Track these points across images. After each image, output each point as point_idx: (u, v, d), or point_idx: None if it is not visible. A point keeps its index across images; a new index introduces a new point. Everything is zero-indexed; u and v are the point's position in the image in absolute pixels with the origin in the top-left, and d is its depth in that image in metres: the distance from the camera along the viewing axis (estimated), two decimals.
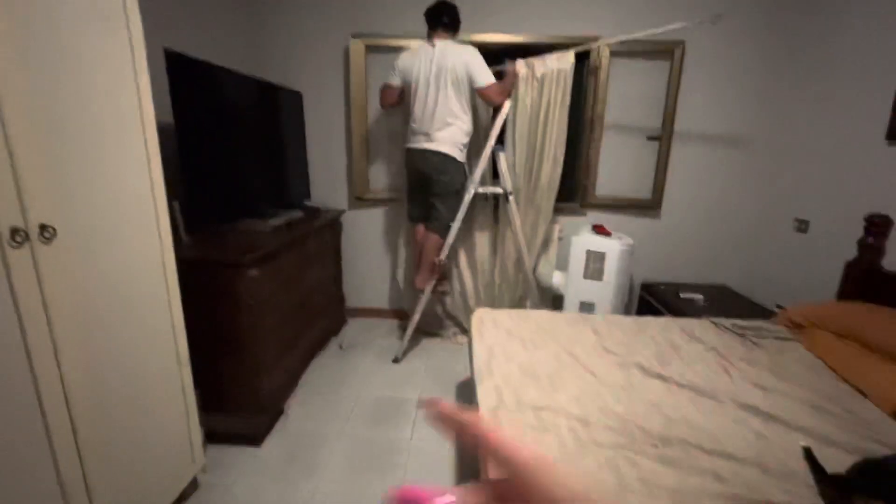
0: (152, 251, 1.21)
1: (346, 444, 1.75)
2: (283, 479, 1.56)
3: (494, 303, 2.73)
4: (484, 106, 2.39)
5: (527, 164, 2.49)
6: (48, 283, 0.91)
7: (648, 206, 2.77)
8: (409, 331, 2.42)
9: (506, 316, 1.88)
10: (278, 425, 1.84)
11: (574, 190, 2.83)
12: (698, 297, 2.55)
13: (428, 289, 2.35)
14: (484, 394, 1.30)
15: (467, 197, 2.29)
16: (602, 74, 2.56)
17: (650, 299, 2.71)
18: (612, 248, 2.40)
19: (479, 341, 1.64)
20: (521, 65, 2.28)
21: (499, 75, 2.23)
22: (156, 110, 1.51)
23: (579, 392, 1.33)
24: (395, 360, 2.41)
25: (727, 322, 1.89)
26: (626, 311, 2.71)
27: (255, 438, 1.71)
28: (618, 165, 2.73)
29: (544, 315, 1.92)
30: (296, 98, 2.51)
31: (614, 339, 1.71)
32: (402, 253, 2.73)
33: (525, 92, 2.36)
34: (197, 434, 1.42)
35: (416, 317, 2.40)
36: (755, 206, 2.69)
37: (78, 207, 0.98)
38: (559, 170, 2.46)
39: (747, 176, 2.68)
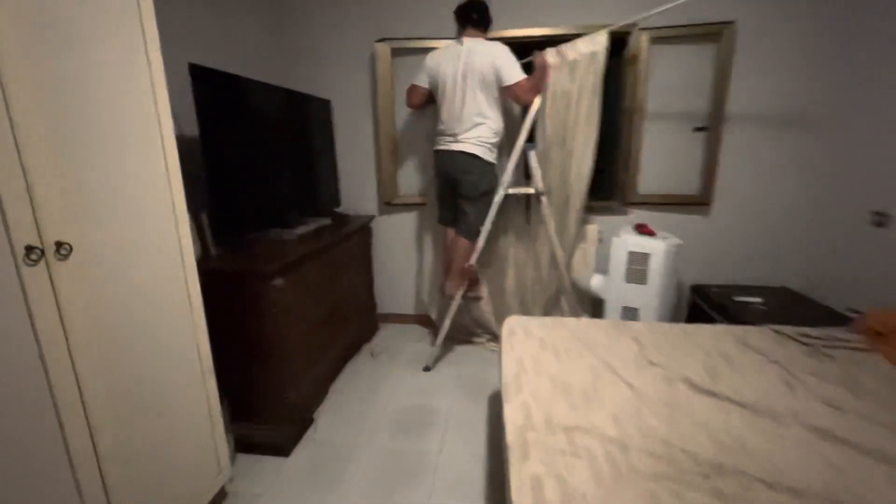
0: (173, 264, 1.22)
1: (373, 456, 1.71)
2: (308, 491, 1.53)
3: (528, 309, 2.61)
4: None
5: (558, 159, 2.35)
6: (65, 300, 0.92)
7: (697, 202, 2.56)
8: (440, 338, 2.35)
9: (538, 324, 1.78)
10: (307, 435, 1.82)
11: (614, 187, 2.66)
12: (756, 300, 2.32)
13: (458, 295, 2.28)
14: (511, 412, 1.21)
15: (497, 199, 2.20)
16: (642, 63, 2.39)
17: (701, 304, 2.50)
18: (657, 248, 2.23)
19: (509, 353, 1.55)
20: (550, 54, 2.16)
21: (529, 67, 2.13)
22: (184, 124, 1.55)
23: (617, 409, 1.21)
24: (426, 369, 2.35)
25: (791, 330, 1.68)
26: (674, 317, 2.51)
27: (283, 449, 1.70)
28: (662, 160, 2.54)
29: (580, 323, 1.80)
30: (324, 106, 2.52)
31: (658, 349, 1.56)
32: (432, 258, 2.68)
33: (556, 80, 2.23)
34: (223, 445, 1.42)
35: (447, 324, 2.34)
36: (822, 197, 2.41)
37: (94, 224, 0.98)
38: (590, 163, 2.30)
39: (812, 164, 2.41)
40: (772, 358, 1.50)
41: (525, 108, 2.20)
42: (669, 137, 2.51)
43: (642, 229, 2.37)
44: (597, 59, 2.15)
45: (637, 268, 2.29)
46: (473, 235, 2.23)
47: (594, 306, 2.67)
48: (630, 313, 2.35)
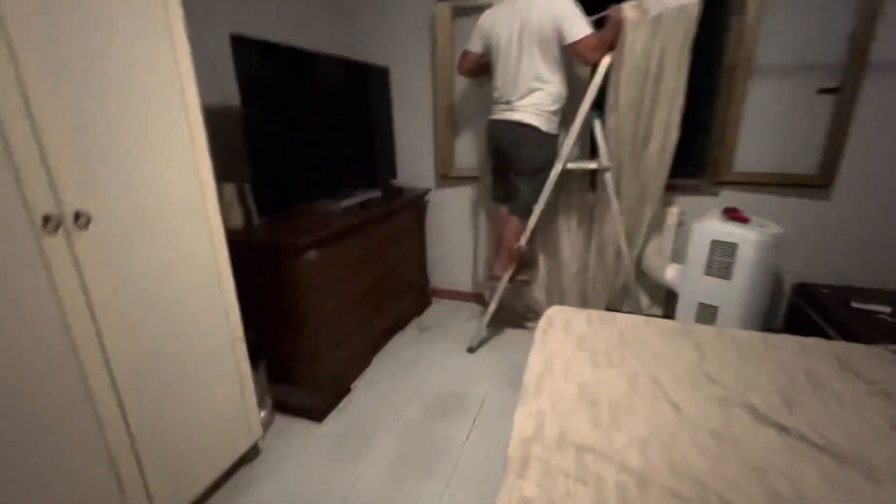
0: (199, 233, 1.26)
1: (400, 434, 1.70)
2: (333, 460, 1.57)
3: (588, 298, 2.39)
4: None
5: (633, 132, 2.05)
6: (87, 268, 0.98)
7: (813, 184, 2.09)
8: (485, 320, 2.25)
9: (584, 318, 1.59)
10: (342, 403, 1.87)
11: (703, 163, 2.27)
12: (882, 309, 1.86)
13: (506, 276, 2.14)
14: (521, 419, 1.09)
15: (553, 174, 1.98)
16: (751, 8, 1.94)
17: (805, 307, 2.07)
18: (748, 237, 1.86)
19: (539, 349, 1.40)
20: (628, 8, 1.84)
21: (602, 24, 1.84)
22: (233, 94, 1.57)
23: (648, 433, 1.03)
24: (470, 350, 2.27)
25: None
26: (767, 320, 2.12)
27: (316, 414, 1.76)
28: (769, 130, 2.09)
29: (634, 322, 1.57)
30: (382, 73, 2.46)
31: (723, 363, 1.30)
32: (488, 234, 2.54)
33: (634, 39, 1.91)
34: (253, 407, 1.50)
35: (493, 306, 2.22)
36: None
37: (114, 194, 1.03)
38: (673, 138, 1.97)
39: None
40: (881, 390, 1.17)
41: (593, 69, 1.92)
42: (782, 102, 2.04)
43: (732, 214, 2.00)
44: (687, 14, 1.78)
45: (721, 259, 1.95)
46: (525, 214, 2.05)
47: (668, 301, 2.36)
48: (707, 312, 2.03)
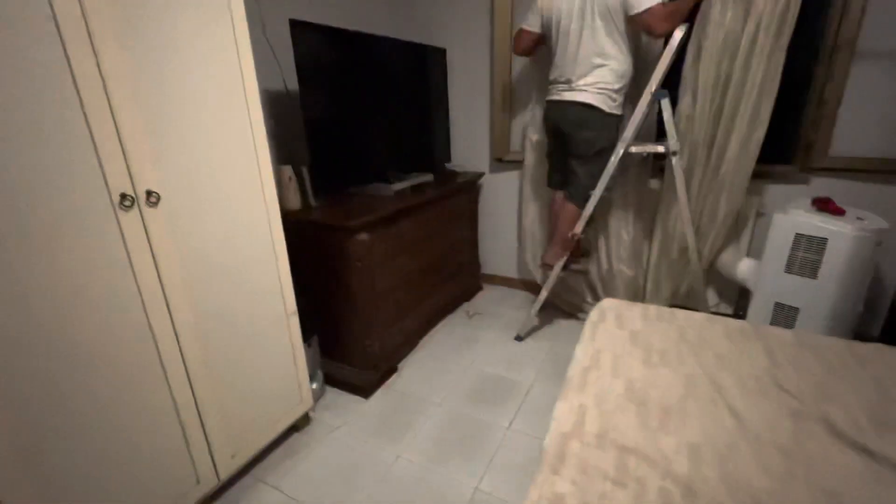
0: (257, 212, 1.33)
1: (444, 416, 1.72)
2: (376, 436, 1.63)
3: (647, 293, 2.25)
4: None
5: (713, 119, 1.87)
6: (156, 241, 1.07)
7: None
8: (535, 308, 2.19)
9: (639, 313, 1.49)
10: (389, 382, 1.93)
11: (794, 147, 2.02)
12: None
13: (558, 266, 2.06)
14: (561, 413, 1.05)
15: (614, 158, 1.85)
16: None
17: None
18: (841, 232, 1.64)
19: (588, 342, 1.33)
20: None
21: None
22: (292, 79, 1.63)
23: (702, 440, 0.95)
24: (518, 338, 2.23)
25: None
26: (860, 328, 1.87)
27: (363, 390, 1.83)
28: (875, 109, 1.81)
29: (696, 319, 1.45)
30: (439, 55, 2.42)
31: (798, 371, 1.16)
32: (540, 221, 2.46)
33: (721, 13, 1.73)
34: (305, 378, 1.58)
35: (544, 294, 2.15)
36: None
37: (180, 175, 1.11)
38: (762, 131, 1.78)
39: None
40: None
41: (665, 44, 1.76)
42: (890, 77, 1.75)
43: (824, 205, 1.77)
44: None
45: (807, 255, 1.74)
46: (582, 200, 1.95)
47: (741, 300, 2.16)
48: (786, 314, 1.83)
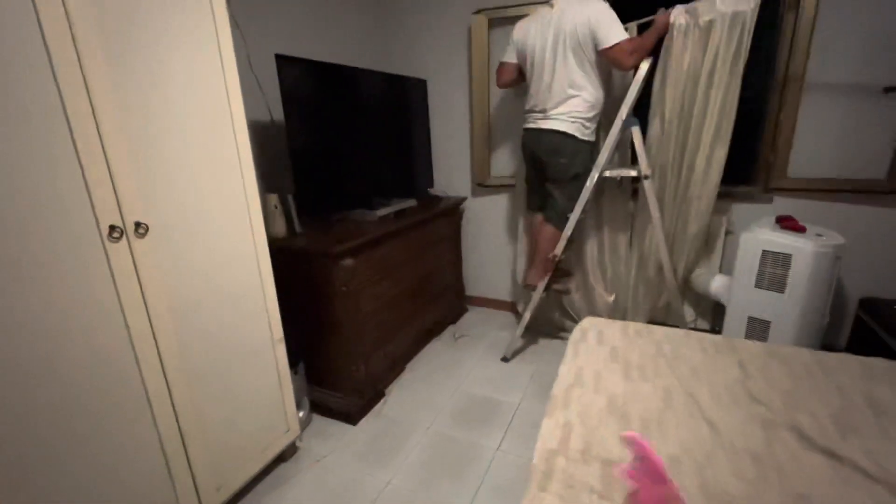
0: (244, 241, 1.35)
1: (432, 439, 1.72)
2: (365, 462, 1.62)
3: (628, 311, 2.31)
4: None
5: (679, 142, 1.99)
6: (144, 272, 1.08)
7: (882, 191, 1.92)
8: (520, 329, 2.23)
9: (619, 330, 1.54)
10: (376, 407, 1.92)
11: (755, 170, 2.15)
12: None
13: (540, 286, 2.12)
14: (547, 430, 1.08)
15: (589, 182, 1.94)
16: (808, 7, 1.83)
17: (872, 324, 1.90)
18: (804, 248, 1.74)
19: (570, 360, 1.37)
20: (677, 12, 1.80)
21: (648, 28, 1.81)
22: (277, 109, 1.68)
23: (681, 451, 0.98)
24: (504, 359, 2.26)
25: None
26: (828, 337, 1.96)
27: (351, 417, 1.82)
28: (827, 133, 1.96)
29: (673, 334, 1.51)
30: (420, 86, 2.52)
31: (769, 382, 1.22)
32: (519, 243, 2.53)
33: (683, 47, 1.86)
34: (291, 407, 1.57)
35: (528, 315, 2.20)
36: None
37: (169, 206, 1.13)
38: (724, 151, 1.90)
39: None
40: None
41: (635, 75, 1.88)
42: (842, 104, 1.90)
43: (787, 223, 1.88)
44: (742, 23, 1.72)
45: (774, 271, 1.84)
46: (561, 223, 2.02)
47: (716, 314, 2.24)
48: (758, 327, 1.91)
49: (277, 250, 1.51)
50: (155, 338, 1.12)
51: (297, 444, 1.67)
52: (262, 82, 1.75)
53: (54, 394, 0.94)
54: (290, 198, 1.78)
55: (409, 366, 2.24)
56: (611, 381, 1.26)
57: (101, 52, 0.96)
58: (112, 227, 1.01)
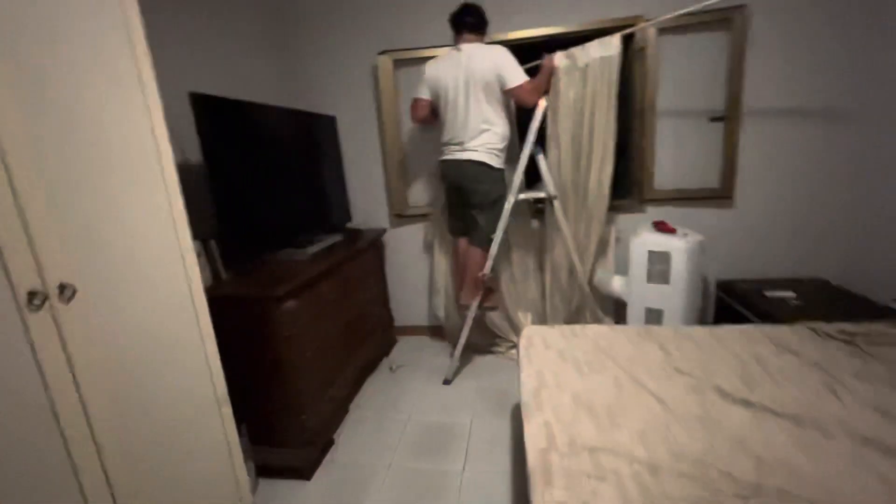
0: (181, 295, 1.21)
1: (395, 477, 1.67)
2: None
3: (548, 317, 2.54)
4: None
5: (574, 164, 2.30)
6: (71, 342, 0.91)
7: (718, 196, 2.45)
8: (458, 350, 2.31)
9: (558, 334, 1.71)
10: (328, 456, 1.80)
11: (630, 185, 2.58)
12: (789, 294, 2.20)
13: (474, 305, 2.23)
14: (532, 432, 1.16)
15: (507, 206, 2.14)
16: (650, 56, 2.31)
17: (729, 300, 2.39)
18: (677, 246, 2.13)
19: (528, 366, 1.49)
20: (559, 57, 2.11)
21: (536, 71, 2.09)
22: (190, 151, 1.56)
23: (644, 426, 1.14)
24: (446, 382, 2.30)
25: (830, 327, 1.58)
26: (702, 316, 2.41)
27: (303, 472, 1.68)
28: (677, 154, 2.45)
29: (602, 331, 1.72)
30: (329, 122, 2.52)
31: (686, 356, 1.48)
32: (445, 268, 2.63)
33: (567, 85, 2.18)
34: (242, 473, 1.40)
35: (464, 335, 2.29)
36: (858, 188, 2.28)
37: (97, 261, 0.98)
38: (610, 168, 2.24)
39: (844, 155, 2.28)
40: (811, 360, 1.40)
41: (532, 111, 2.14)
42: (685, 130, 2.41)
43: (661, 227, 2.28)
44: (610, 65, 2.08)
45: (658, 267, 2.20)
46: (486, 244, 2.18)
47: (618, 310, 2.59)
48: (654, 315, 2.26)
49: (207, 300, 1.37)
50: (87, 417, 0.93)
51: None
52: (171, 121, 1.60)
53: None
54: (212, 243, 1.63)
55: (353, 405, 2.14)
56: (568, 378, 1.39)
57: (7, 89, 0.82)
58: (32, 294, 0.84)
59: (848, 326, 1.57)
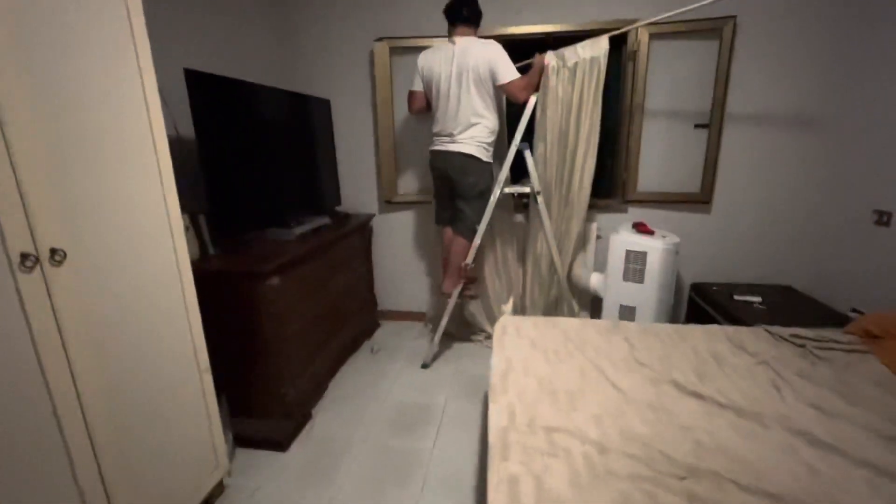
0: (168, 266, 1.26)
1: (369, 451, 1.75)
2: (304, 487, 1.58)
3: (527, 308, 2.62)
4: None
5: (559, 161, 2.36)
6: (60, 305, 0.96)
7: (698, 201, 2.54)
8: (438, 336, 2.38)
9: (531, 324, 1.79)
10: (305, 430, 1.87)
11: (614, 185, 2.65)
12: (756, 299, 2.30)
13: (455, 293, 2.30)
14: (495, 412, 1.23)
15: (493, 198, 2.20)
16: (641, 59, 2.36)
17: (701, 302, 2.49)
18: (654, 247, 2.22)
19: (499, 353, 1.56)
20: (549, 56, 2.16)
21: (527, 69, 2.14)
22: (184, 126, 1.59)
23: (600, 411, 1.23)
24: (424, 366, 2.38)
25: (784, 331, 1.67)
26: (674, 315, 2.50)
27: (280, 444, 1.74)
28: (662, 158, 2.52)
29: (573, 323, 1.80)
30: (324, 105, 2.55)
31: (649, 351, 1.56)
32: (432, 255, 2.70)
33: (556, 83, 2.23)
34: (220, 439, 1.47)
35: (444, 321, 2.36)
36: (825, 196, 2.37)
37: (88, 229, 1.02)
38: (592, 164, 2.30)
39: (814, 163, 2.37)
40: (762, 359, 1.49)
41: (522, 107, 2.19)
42: (670, 135, 2.48)
43: (640, 228, 2.36)
44: (598, 65, 2.14)
45: (634, 266, 2.29)
46: (470, 234, 2.24)
47: (594, 305, 2.67)
48: (627, 312, 2.35)
49: (193, 274, 1.41)
50: (74, 377, 0.99)
51: (225, 481, 1.55)
52: (165, 96, 1.62)
53: None
54: (201, 218, 1.67)
55: (332, 383, 2.21)
56: (536, 365, 1.47)
57: (6, 50, 0.85)
58: (24, 256, 0.89)
59: (801, 331, 1.66)
